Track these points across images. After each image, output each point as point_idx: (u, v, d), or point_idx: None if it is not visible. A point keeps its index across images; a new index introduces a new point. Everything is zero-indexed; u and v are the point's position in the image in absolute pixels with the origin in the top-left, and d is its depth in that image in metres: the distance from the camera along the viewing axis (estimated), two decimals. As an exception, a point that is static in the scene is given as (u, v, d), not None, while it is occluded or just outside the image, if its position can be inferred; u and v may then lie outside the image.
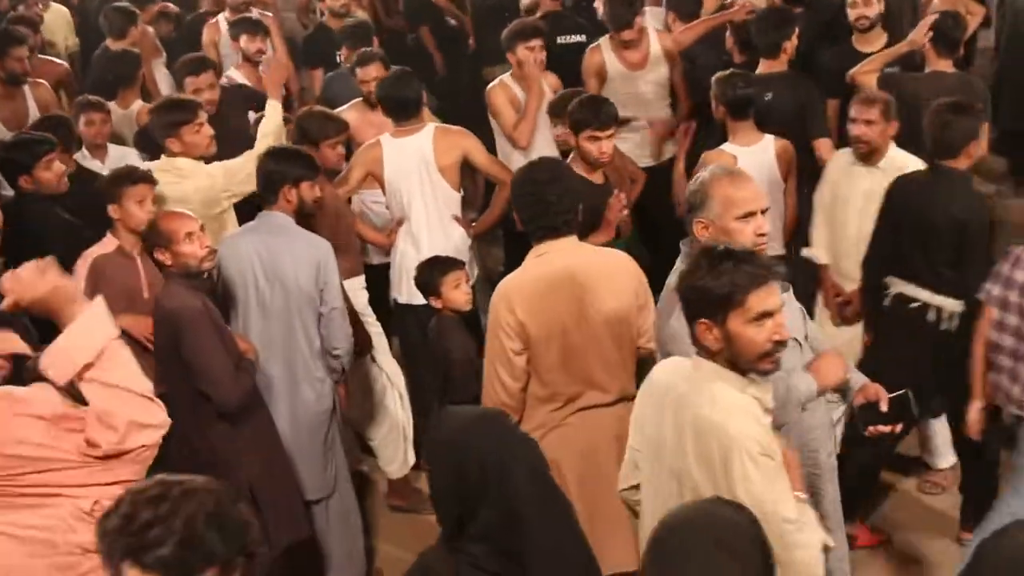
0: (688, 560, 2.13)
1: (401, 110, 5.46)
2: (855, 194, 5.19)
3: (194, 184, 5.20)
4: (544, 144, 6.07)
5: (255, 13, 7.74)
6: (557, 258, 3.90)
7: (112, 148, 6.21)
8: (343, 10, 7.72)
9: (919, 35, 5.89)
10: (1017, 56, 7.77)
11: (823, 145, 5.77)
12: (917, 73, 5.90)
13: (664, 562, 2.17)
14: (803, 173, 5.67)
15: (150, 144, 5.90)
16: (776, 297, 2.86)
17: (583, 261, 3.93)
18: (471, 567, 2.62)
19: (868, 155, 5.14)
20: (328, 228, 5.08)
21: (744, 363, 2.88)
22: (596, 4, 7.29)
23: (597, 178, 5.17)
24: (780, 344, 2.86)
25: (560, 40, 6.99)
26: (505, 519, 2.60)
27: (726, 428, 2.83)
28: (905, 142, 5.82)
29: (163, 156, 5.35)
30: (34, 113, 6.58)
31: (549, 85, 6.28)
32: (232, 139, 5.66)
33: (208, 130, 5.34)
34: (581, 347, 3.90)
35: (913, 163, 5.06)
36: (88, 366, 2.82)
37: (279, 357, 4.65)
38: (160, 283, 4.90)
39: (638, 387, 3.33)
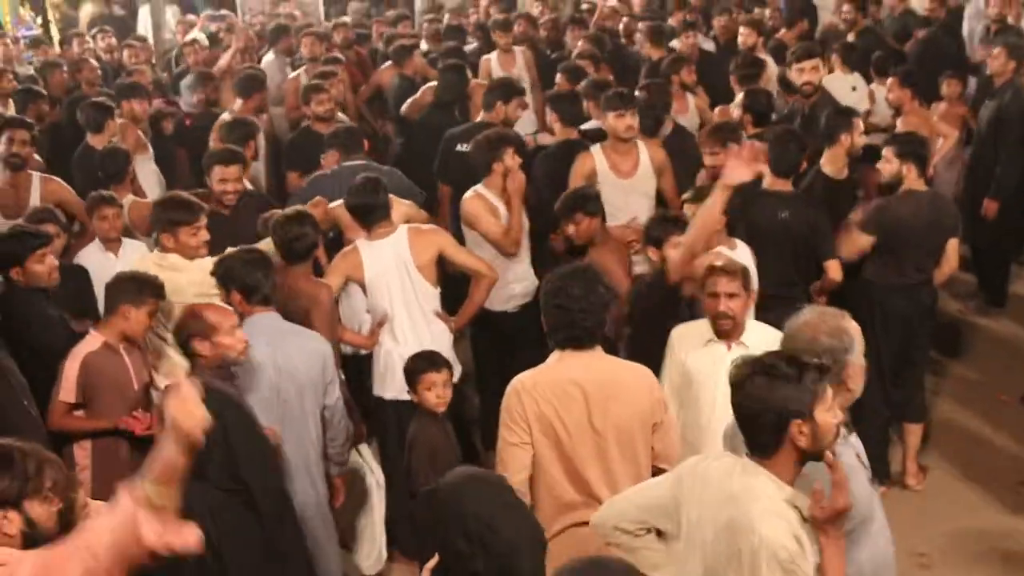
0: None
1: (369, 216, 5.58)
2: (714, 379, 4.37)
3: (188, 277, 5.28)
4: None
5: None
6: (574, 367, 3.97)
7: (126, 242, 6.27)
8: (328, 115, 7.79)
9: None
10: (979, 173, 8.05)
11: (834, 266, 5.89)
12: (893, 196, 6.06)
13: None
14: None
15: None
16: None
17: (600, 374, 3.96)
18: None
19: (730, 332, 4.59)
20: (306, 324, 5.16)
21: (826, 448, 3.03)
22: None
23: None
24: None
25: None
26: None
27: (758, 529, 2.92)
28: (889, 263, 5.98)
29: (156, 250, 5.46)
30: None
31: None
32: (240, 240, 5.68)
33: (204, 235, 5.43)
34: (583, 458, 3.94)
35: (774, 336, 4.28)
36: None
37: (292, 452, 4.76)
38: (145, 375, 4.99)
39: None
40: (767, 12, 11.72)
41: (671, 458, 4.00)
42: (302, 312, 5.13)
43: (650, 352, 4.67)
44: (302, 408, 4.82)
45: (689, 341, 4.67)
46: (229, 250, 5.05)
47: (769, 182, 6.02)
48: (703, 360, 4.57)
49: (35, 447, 3.11)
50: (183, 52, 10.80)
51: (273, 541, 4.34)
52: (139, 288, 4.92)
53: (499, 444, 4.05)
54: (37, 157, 7.43)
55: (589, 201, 5.72)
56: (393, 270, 5.52)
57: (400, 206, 6.14)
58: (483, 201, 6.19)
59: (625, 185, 6.52)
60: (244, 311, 4.79)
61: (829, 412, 3.02)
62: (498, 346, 6.22)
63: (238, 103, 8.33)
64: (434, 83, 8.60)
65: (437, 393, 4.82)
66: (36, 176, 6.90)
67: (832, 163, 6.38)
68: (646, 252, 5.26)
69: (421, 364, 4.87)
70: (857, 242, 6.01)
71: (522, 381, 4.02)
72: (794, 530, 2.93)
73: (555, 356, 4.05)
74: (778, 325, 5.21)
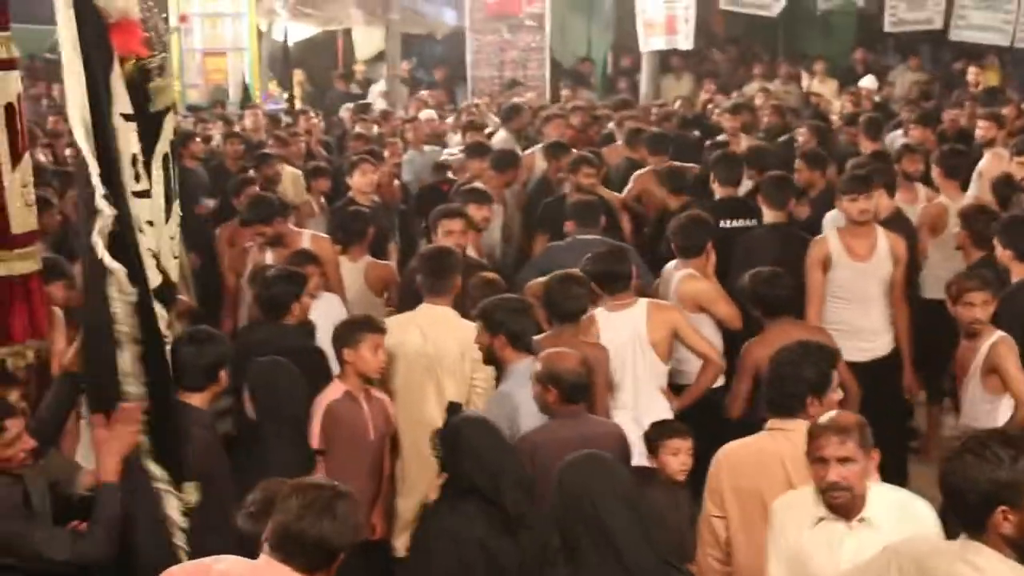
0: None
1: (611, 284, 5.68)
2: (834, 566, 3.58)
3: (456, 335, 5.41)
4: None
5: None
6: (779, 438, 3.98)
7: (322, 296, 6.35)
8: (591, 188, 7.89)
9: None
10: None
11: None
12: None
13: None
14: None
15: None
16: None
17: (801, 450, 3.86)
18: None
19: (847, 507, 3.62)
20: None
21: None
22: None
23: None
24: None
25: (722, 224, 7.17)
26: None
27: None
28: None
29: (422, 305, 5.65)
30: None
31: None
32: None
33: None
34: None
35: (903, 503, 3.68)
36: None
37: None
38: (383, 425, 5.19)
39: None
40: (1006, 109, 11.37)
41: None
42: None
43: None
44: None
45: (798, 517, 3.73)
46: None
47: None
48: (817, 543, 3.66)
49: None
50: (404, 128, 11.37)
51: None
52: (351, 329, 5.14)
53: (703, 517, 4.11)
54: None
55: None
56: (627, 342, 5.58)
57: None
58: (709, 283, 6.21)
59: (860, 268, 6.40)
60: (507, 357, 5.00)
61: None
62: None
63: (490, 174, 8.62)
64: None
65: (682, 460, 4.83)
66: (308, 234, 7.23)
67: None
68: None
69: (667, 431, 4.91)
70: None
71: (725, 451, 4.09)
72: None
73: (768, 425, 4.08)
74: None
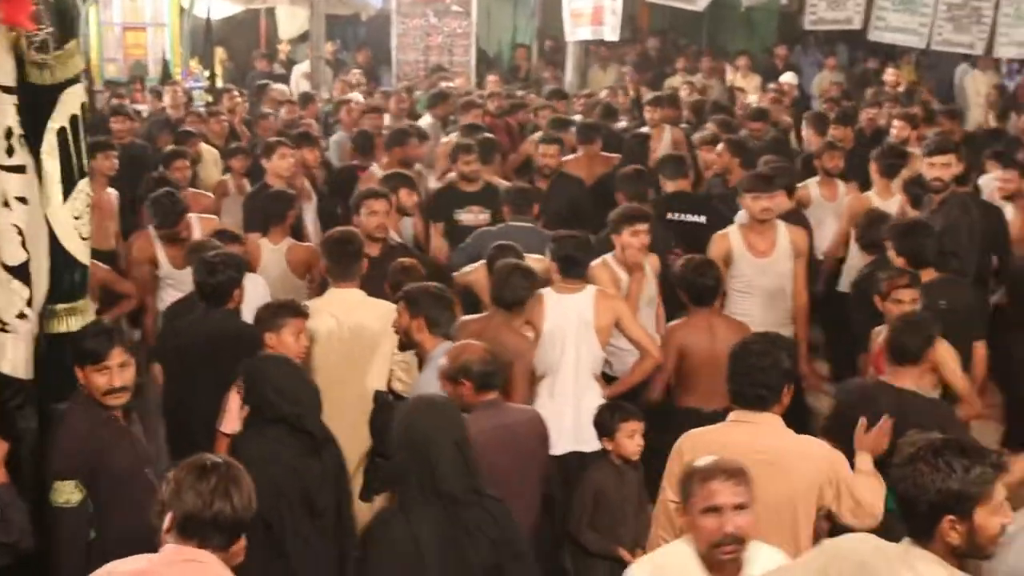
0: None
1: (570, 268, 5.74)
2: None
3: (373, 313, 5.41)
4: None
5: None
6: (739, 432, 3.97)
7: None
8: (473, 175, 7.93)
9: None
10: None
11: None
12: None
13: None
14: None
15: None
16: None
17: (762, 445, 3.91)
18: None
19: (735, 565, 3.39)
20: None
21: (982, 553, 2.95)
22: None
23: None
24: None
25: (669, 216, 7.24)
26: None
27: None
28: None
29: (330, 290, 5.68)
30: None
31: (651, 266, 6.38)
32: (378, 284, 5.93)
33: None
34: None
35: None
36: None
37: None
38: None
39: None
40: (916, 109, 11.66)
41: (869, 514, 3.96)
42: (505, 365, 5.07)
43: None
44: None
45: None
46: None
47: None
48: None
49: None
50: (336, 109, 11.24)
51: None
52: (273, 313, 5.11)
53: (658, 503, 4.11)
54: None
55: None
56: (572, 326, 5.63)
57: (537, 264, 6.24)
58: (608, 272, 6.22)
59: (760, 264, 6.53)
60: (424, 341, 5.00)
61: (994, 515, 2.90)
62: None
63: (385, 158, 8.63)
64: None
65: (637, 441, 4.87)
66: (195, 217, 7.25)
67: None
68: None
69: (620, 412, 4.92)
70: None
71: (683, 438, 4.10)
72: None
73: (731, 416, 4.10)
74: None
